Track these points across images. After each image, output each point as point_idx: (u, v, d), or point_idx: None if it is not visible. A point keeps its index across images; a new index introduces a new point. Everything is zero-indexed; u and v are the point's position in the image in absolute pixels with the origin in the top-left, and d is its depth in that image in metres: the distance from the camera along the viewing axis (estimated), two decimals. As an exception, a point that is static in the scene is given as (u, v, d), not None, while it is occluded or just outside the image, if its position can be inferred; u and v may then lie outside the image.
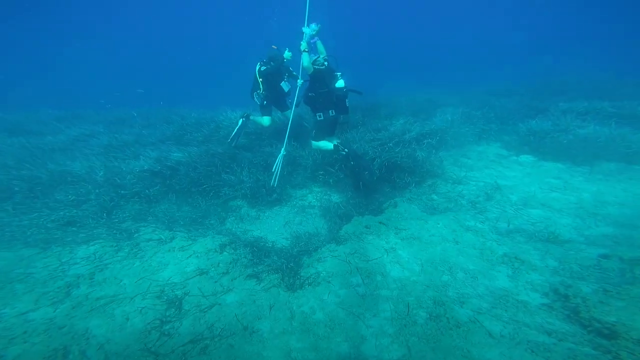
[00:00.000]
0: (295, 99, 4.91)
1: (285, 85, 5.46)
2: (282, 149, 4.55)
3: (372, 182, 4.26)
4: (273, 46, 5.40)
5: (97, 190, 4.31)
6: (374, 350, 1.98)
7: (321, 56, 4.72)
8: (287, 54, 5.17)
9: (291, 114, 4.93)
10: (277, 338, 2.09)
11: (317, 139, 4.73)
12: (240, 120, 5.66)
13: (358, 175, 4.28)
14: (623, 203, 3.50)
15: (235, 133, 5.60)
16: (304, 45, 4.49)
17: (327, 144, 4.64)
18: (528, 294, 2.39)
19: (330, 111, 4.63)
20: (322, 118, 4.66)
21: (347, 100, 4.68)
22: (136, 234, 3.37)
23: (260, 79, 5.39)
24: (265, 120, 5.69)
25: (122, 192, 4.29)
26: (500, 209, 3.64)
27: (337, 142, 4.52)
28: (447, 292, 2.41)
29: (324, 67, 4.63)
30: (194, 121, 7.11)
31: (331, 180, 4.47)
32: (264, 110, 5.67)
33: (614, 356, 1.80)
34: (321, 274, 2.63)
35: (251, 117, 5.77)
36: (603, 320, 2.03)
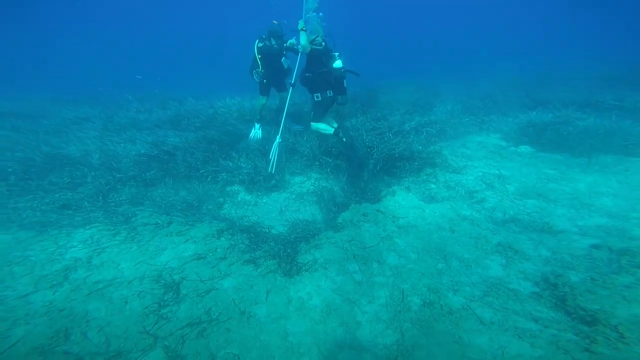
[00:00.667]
0: (294, 78, 4.82)
1: (285, 62, 5.34)
2: (277, 137, 4.51)
3: (362, 175, 4.25)
4: (274, 21, 5.25)
5: (92, 173, 4.27)
6: (369, 335, 2.03)
7: (319, 36, 4.61)
8: (290, 42, 5.06)
9: (288, 96, 4.86)
10: (274, 322, 2.13)
11: (316, 120, 4.67)
12: (257, 125, 5.62)
13: (351, 166, 4.28)
14: (617, 194, 3.53)
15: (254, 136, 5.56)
16: (301, 24, 4.40)
17: (327, 128, 4.59)
18: (519, 282, 2.43)
19: (328, 91, 4.56)
20: (319, 99, 4.58)
21: (345, 81, 4.59)
22: (133, 218, 3.36)
23: (259, 56, 5.26)
24: (261, 100, 5.64)
25: (118, 175, 4.26)
26: (497, 199, 3.66)
27: (338, 127, 4.48)
28: (441, 280, 2.45)
29: (321, 46, 4.54)
30: (191, 107, 7.01)
31: (329, 168, 4.46)
32: (263, 89, 5.58)
33: (591, 341, 1.87)
34: (318, 261, 2.66)
35: (256, 119, 5.69)
36: (587, 308, 2.09)
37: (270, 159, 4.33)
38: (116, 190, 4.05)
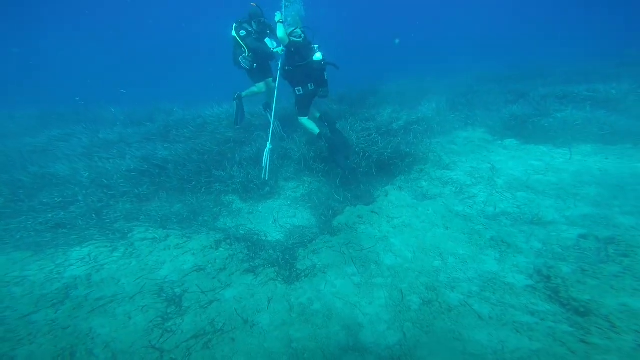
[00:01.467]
0: (279, 71, 4.72)
1: (269, 42, 5.04)
2: (268, 143, 4.51)
3: (354, 178, 4.30)
4: (252, 3, 5.01)
5: (84, 192, 4.23)
6: (371, 337, 2.08)
7: (298, 29, 4.54)
8: (278, 49, 4.78)
9: (276, 86, 4.79)
10: (277, 330, 2.16)
11: (302, 114, 4.68)
12: (235, 103, 5.40)
13: (339, 167, 4.33)
14: (599, 183, 3.67)
15: (236, 117, 5.41)
16: (278, 15, 4.35)
17: (313, 127, 4.63)
18: (514, 276, 2.52)
19: (309, 85, 4.53)
20: (301, 92, 4.55)
21: (325, 74, 4.56)
22: (130, 234, 3.35)
23: (244, 44, 4.96)
24: (260, 87, 5.37)
25: (110, 192, 4.23)
26: (487, 193, 3.77)
27: (320, 132, 4.54)
28: (438, 278, 2.52)
29: (301, 38, 4.47)
30: (180, 117, 6.97)
31: (321, 173, 4.51)
32: (255, 75, 5.29)
33: (586, 332, 1.95)
34: (317, 266, 2.70)
35: (243, 94, 5.43)
36: (579, 298, 2.17)
37: (263, 166, 4.35)
38: (110, 207, 4.02)
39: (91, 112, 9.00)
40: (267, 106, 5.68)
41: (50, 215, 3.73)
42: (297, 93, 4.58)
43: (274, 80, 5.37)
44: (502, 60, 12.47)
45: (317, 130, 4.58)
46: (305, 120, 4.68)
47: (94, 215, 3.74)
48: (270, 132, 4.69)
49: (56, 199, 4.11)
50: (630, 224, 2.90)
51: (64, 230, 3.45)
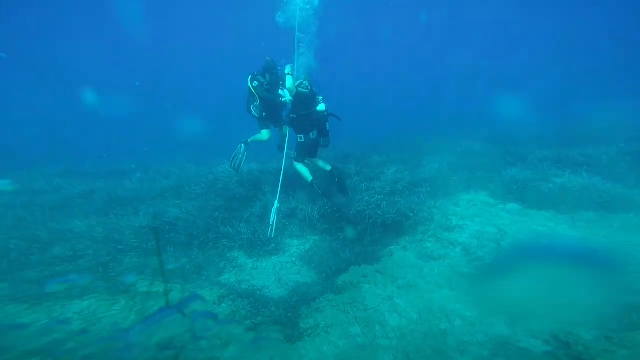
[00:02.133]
0: (285, 119, 5.04)
1: (283, 93, 5.30)
2: (276, 202, 4.67)
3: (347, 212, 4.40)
4: (267, 57, 5.44)
5: (95, 246, 4.34)
6: (376, 403, 1.93)
7: (305, 81, 4.94)
8: (286, 96, 5.14)
9: (287, 132, 5.07)
10: (276, 394, 2.03)
11: (299, 160, 4.92)
12: (242, 146, 5.69)
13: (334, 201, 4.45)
14: (609, 249, 3.65)
15: (238, 160, 5.64)
16: (288, 68, 4.81)
17: (307, 174, 4.85)
18: (529, 341, 2.39)
19: (311, 133, 4.81)
20: (303, 140, 4.82)
21: (327, 124, 4.85)
22: (132, 287, 3.35)
23: (256, 93, 5.35)
24: (265, 134, 5.67)
25: (119, 247, 4.33)
26: (493, 256, 3.74)
27: (313, 180, 4.74)
28: (446, 341, 2.41)
29: (308, 90, 4.84)
30: (192, 174, 7.38)
31: (326, 231, 4.59)
32: (262, 123, 5.62)
33: None
34: (320, 325, 2.62)
35: (249, 140, 5.74)
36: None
37: (271, 224, 4.47)
38: (117, 261, 4.08)
39: (111, 167, 9.60)
40: (280, 148, 5.99)
41: (58, 269, 3.79)
42: (299, 140, 4.87)
43: (284, 124, 5.73)
44: (498, 124, 13.07)
45: (310, 178, 4.79)
46: (300, 167, 4.91)
47: (100, 269, 3.78)
48: (279, 190, 4.93)
49: (68, 252, 4.21)
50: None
51: (67, 283, 3.47)
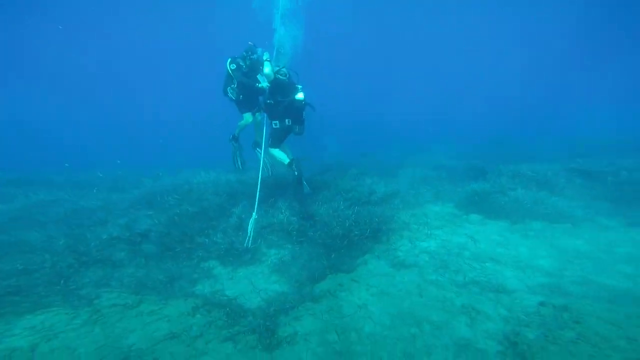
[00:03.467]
0: (262, 104, 5.07)
1: (261, 78, 5.31)
2: (254, 213, 4.71)
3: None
4: (249, 42, 5.45)
5: (54, 258, 4.07)
6: (352, 405, 2.04)
7: (284, 68, 5.00)
8: (263, 84, 5.16)
9: (264, 122, 5.09)
10: (255, 402, 2.07)
11: (274, 145, 4.97)
12: (232, 144, 5.70)
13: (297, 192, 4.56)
14: (551, 256, 4.10)
15: (233, 159, 5.73)
16: (266, 55, 4.87)
17: (283, 157, 4.90)
18: (486, 342, 2.64)
19: (286, 120, 4.86)
20: (277, 126, 4.88)
21: (304, 113, 4.94)
22: (97, 300, 3.21)
23: (234, 76, 5.34)
24: (247, 117, 5.65)
25: (83, 259, 4.10)
26: (457, 264, 4.05)
27: (291, 160, 4.79)
28: (415, 344, 2.59)
29: (286, 77, 4.91)
30: (166, 183, 7.16)
31: (304, 241, 4.68)
32: (242, 106, 5.60)
33: None
34: (298, 332, 2.70)
35: (236, 133, 5.71)
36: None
37: (248, 235, 4.48)
38: (79, 274, 3.86)
39: (75, 177, 8.99)
40: (257, 144, 6.02)
41: (5, 283, 3.50)
42: (274, 126, 4.92)
43: (260, 113, 5.74)
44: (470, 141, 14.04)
45: (287, 160, 4.84)
46: (276, 152, 4.96)
47: (61, 282, 3.57)
48: (257, 201, 4.95)
49: (19, 266, 3.91)
50: (579, 292, 3.22)
51: (16, 298, 3.23)
